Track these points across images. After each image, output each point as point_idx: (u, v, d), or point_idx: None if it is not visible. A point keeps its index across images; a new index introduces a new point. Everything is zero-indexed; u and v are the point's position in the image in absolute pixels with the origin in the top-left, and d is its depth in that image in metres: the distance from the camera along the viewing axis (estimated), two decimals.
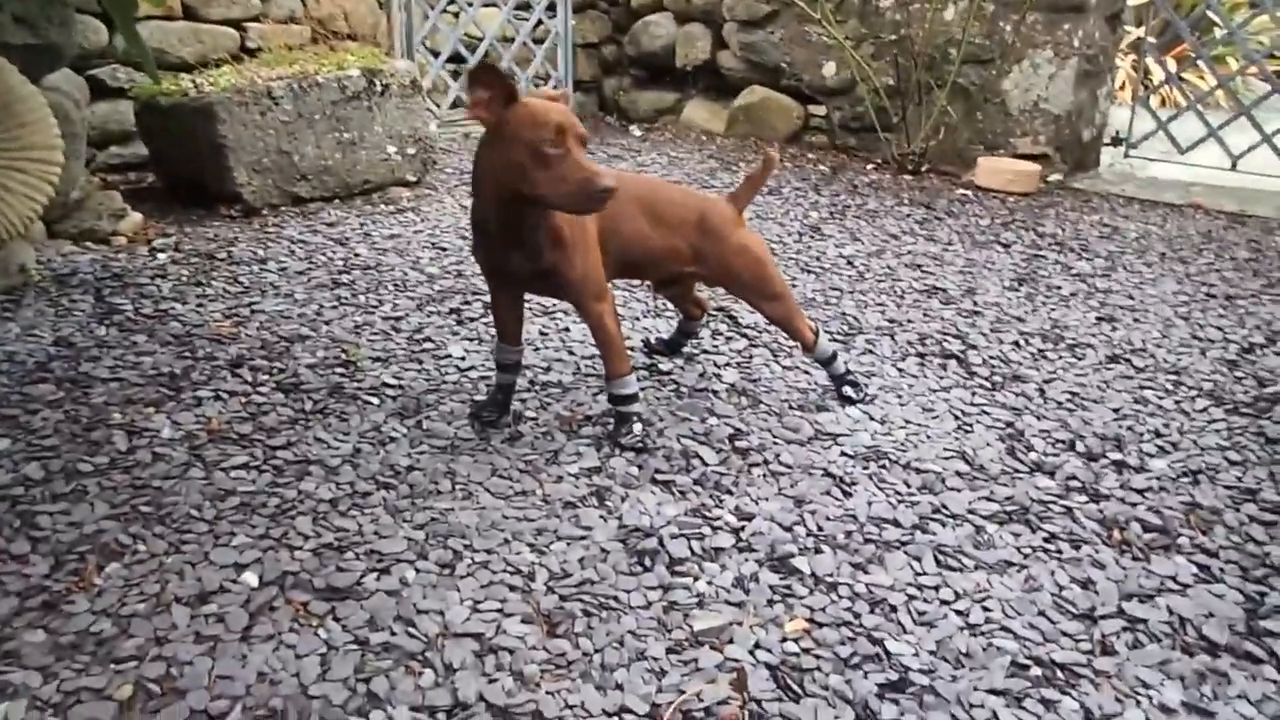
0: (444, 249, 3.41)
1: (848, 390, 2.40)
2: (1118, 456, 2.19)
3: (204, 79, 3.81)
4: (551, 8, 5.81)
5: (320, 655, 1.50)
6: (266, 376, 2.38)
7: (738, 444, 2.17)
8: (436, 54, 5.35)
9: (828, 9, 5.24)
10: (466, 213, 3.89)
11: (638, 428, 2.14)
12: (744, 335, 2.77)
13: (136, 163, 4.26)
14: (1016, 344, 2.81)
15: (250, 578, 1.66)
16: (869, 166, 5.13)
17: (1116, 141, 5.40)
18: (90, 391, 2.26)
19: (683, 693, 1.45)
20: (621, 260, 2.17)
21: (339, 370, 2.44)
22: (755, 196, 2.39)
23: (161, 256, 3.20)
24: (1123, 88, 7.12)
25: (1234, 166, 4.94)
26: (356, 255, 3.31)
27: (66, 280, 2.94)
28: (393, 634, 1.55)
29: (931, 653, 1.56)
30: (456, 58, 5.46)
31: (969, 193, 4.66)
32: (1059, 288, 3.32)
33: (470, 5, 5.43)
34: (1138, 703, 1.47)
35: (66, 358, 2.43)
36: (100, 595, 1.61)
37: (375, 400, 2.30)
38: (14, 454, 1.99)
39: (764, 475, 2.05)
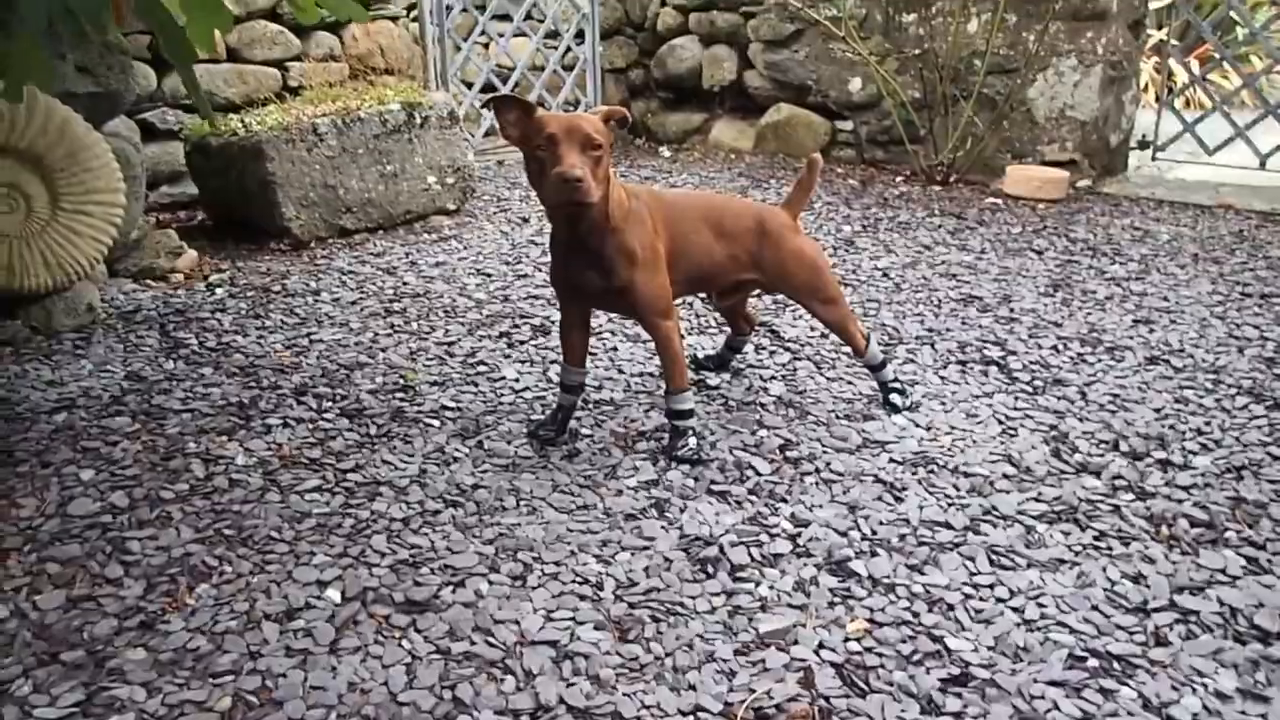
0: (489, 275, 3.51)
1: (894, 398, 2.46)
2: (1162, 455, 2.24)
3: (252, 118, 3.94)
4: (580, 35, 5.93)
5: (405, 665, 1.58)
6: (330, 403, 2.48)
7: (789, 454, 2.24)
8: (470, 85, 5.48)
9: (852, 26, 5.32)
10: (506, 238, 4.00)
11: (693, 441, 2.21)
12: (787, 349, 2.84)
13: (186, 201, 4.40)
14: (1055, 349, 2.86)
15: (333, 594, 1.74)
16: (898, 179, 5.19)
17: (1144, 145, 5.44)
18: (165, 423, 2.37)
19: (753, 691, 1.52)
20: (691, 276, 2.28)
21: (399, 395, 2.53)
22: (807, 202, 2.47)
23: (219, 291, 3.31)
24: (1146, 90, 7.14)
25: (1263, 165, 4.96)
26: (405, 284, 3.41)
27: (131, 317, 3.05)
28: (472, 643, 1.62)
29: (990, 648, 1.62)
30: (489, 88, 5.59)
31: (999, 201, 4.71)
32: (1094, 292, 3.36)
33: (501, 36, 5.56)
34: (1193, 690, 1.52)
35: (139, 391, 2.54)
36: (194, 614, 1.69)
37: (436, 423, 2.39)
38: (99, 484, 2.09)
39: (816, 483, 2.12)
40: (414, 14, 5.26)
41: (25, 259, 2.86)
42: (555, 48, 5.81)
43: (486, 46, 5.90)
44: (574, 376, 2.28)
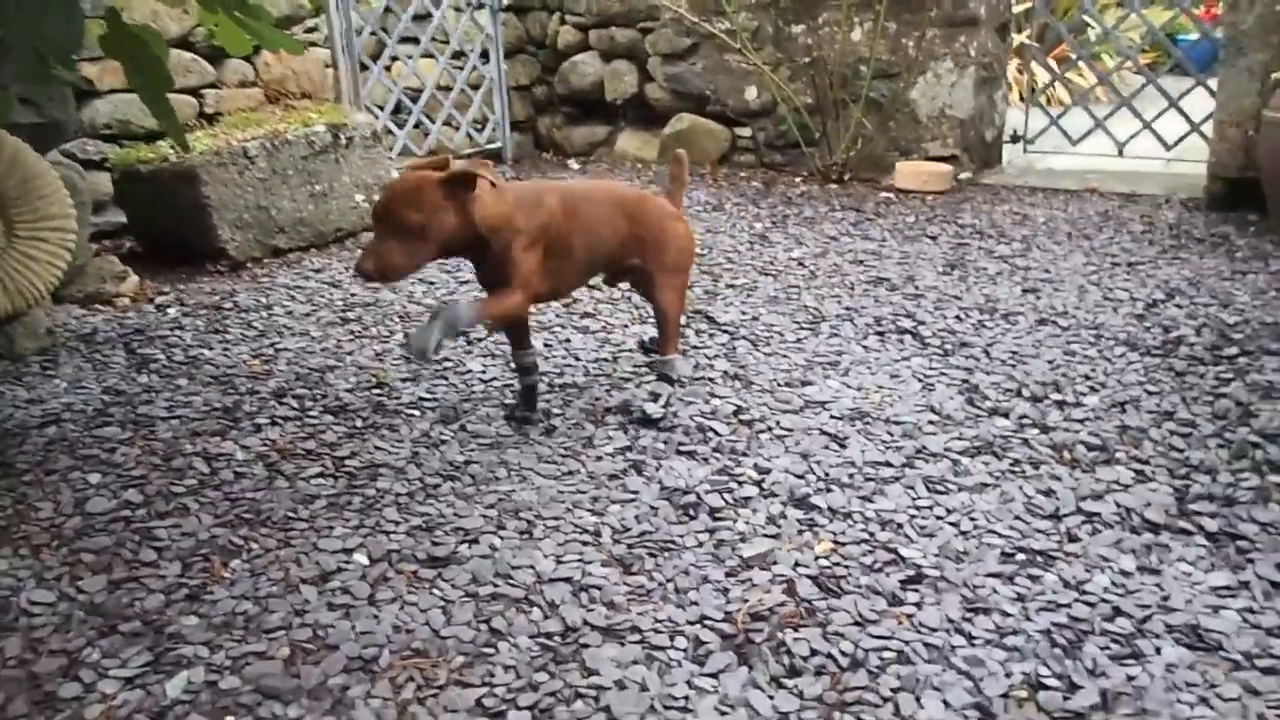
0: (432, 282, 3.70)
1: (649, 406, 2.48)
2: (1058, 397, 2.59)
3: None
4: (484, 55, 6.13)
5: (440, 608, 1.78)
6: (312, 402, 2.64)
7: (742, 417, 2.51)
8: (382, 107, 5.63)
9: (745, 38, 5.67)
10: None
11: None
12: (725, 331, 3.12)
13: (111, 230, 4.44)
14: (958, 317, 3.21)
15: (361, 558, 1.94)
16: (797, 179, 5.55)
17: (1015, 139, 5.93)
18: (155, 429, 2.50)
19: (746, 601, 1.77)
20: (594, 258, 2.44)
21: (375, 391, 2.71)
22: (683, 194, 2.67)
23: (171, 311, 3.42)
24: (1011, 90, 7.71)
25: (1121, 153, 5.48)
26: (353, 294, 3.58)
27: (91, 339, 3.15)
28: (496, 586, 1.84)
29: (936, 554, 1.91)
30: (400, 108, 5.74)
31: (891, 195, 5.10)
32: (985, 269, 3.74)
33: (410, 58, 5.74)
34: (1102, 571, 1.84)
35: (121, 403, 2.66)
36: (234, 584, 1.86)
37: (417, 412, 2.58)
38: (109, 485, 2.23)
39: (770, 439, 2.39)
40: (325, 38, 5.39)
41: None
42: (461, 68, 6.01)
43: (389, 69, 6.05)
44: (525, 358, 2.47)
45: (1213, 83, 4.69)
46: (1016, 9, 6.63)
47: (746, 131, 6.06)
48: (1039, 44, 6.70)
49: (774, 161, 5.96)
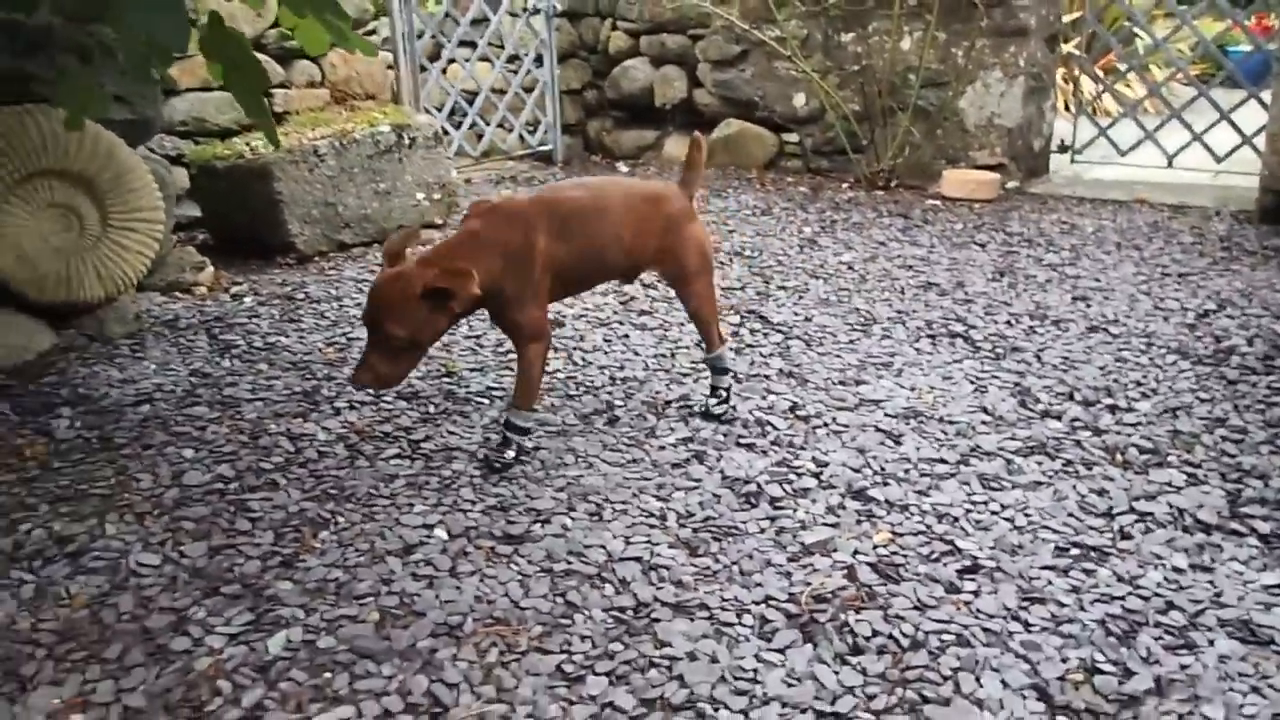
0: None
1: (714, 404, 2.57)
2: (1110, 402, 2.65)
3: (258, 142, 4.19)
4: (538, 59, 6.26)
5: (518, 581, 1.89)
6: (385, 389, 2.76)
7: (798, 413, 2.60)
8: (440, 108, 5.77)
9: (795, 46, 5.75)
10: None
11: (511, 453, 2.33)
12: (778, 331, 3.21)
13: (186, 223, 4.60)
14: (1009, 323, 3.28)
15: (441, 533, 2.05)
16: (844, 185, 5.62)
17: (1063, 149, 5.96)
18: (241, 410, 2.63)
19: (809, 584, 1.86)
20: (593, 268, 2.45)
21: (446, 380, 2.83)
22: (700, 180, 2.62)
23: (247, 300, 3.57)
24: (1060, 99, 7.73)
25: (1170, 164, 5.50)
26: None
27: (174, 324, 3.29)
28: (569, 563, 1.94)
29: (991, 547, 1.99)
30: (457, 110, 5.88)
31: (938, 203, 5.16)
32: (1034, 276, 3.80)
33: (468, 61, 5.88)
34: (1155, 568, 1.91)
35: (207, 385, 2.79)
36: (324, 554, 1.98)
37: (485, 401, 2.69)
38: (203, 460, 2.36)
39: (827, 434, 2.48)
40: (385, 40, 5.54)
41: (80, 273, 3.09)
42: (516, 71, 6.14)
43: (445, 71, 6.18)
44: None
45: (1265, 95, 4.71)
46: (1065, 19, 6.66)
47: (794, 137, 6.14)
48: (1087, 54, 6.73)
49: (821, 167, 6.03)
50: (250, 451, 2.40)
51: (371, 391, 2.25)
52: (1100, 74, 6.74)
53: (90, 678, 1.65)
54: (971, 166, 5.52)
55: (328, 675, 1.65)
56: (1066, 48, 7.00)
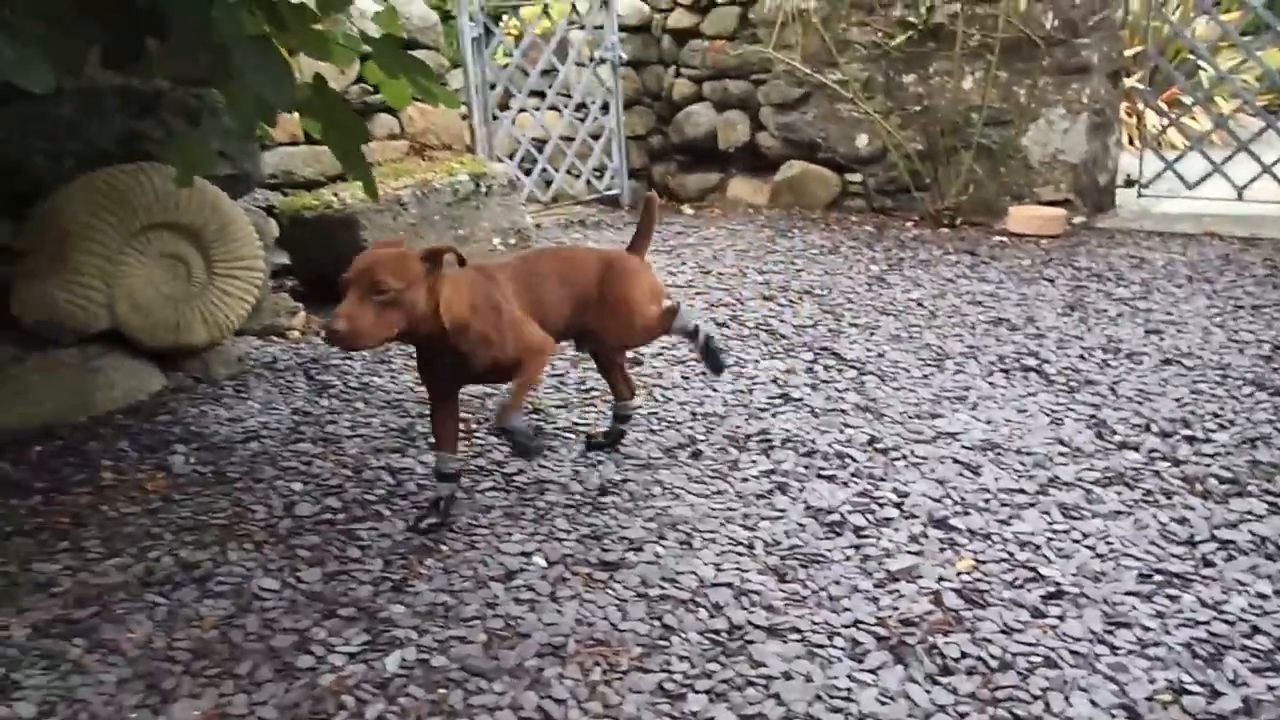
0: None
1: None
2: (1187, 433, 2.68)
3: (347, 193, 4.40)
4: (605, 107, 6.45)
5: (616, 605, 1.98)
6: (477, 425, 2.89)
7: (877, 446, 2.67)
8: (512, 155, 5.97)
9: (857, 88, 5.86)
10: None
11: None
12: (852, 367, 3.28)
13: (277, 270, 4.81)
14: (1082, 356, 3.31)
15: (539, 560, 2.15)
16: (908, 224, 5.69)
17: (1129, 183, 5.97)
18: (342, 445, 2.78)
19: (896, 609, 1.93)
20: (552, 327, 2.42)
21: (534, 416, 2.95)
22: (648, 244, 2.66)
23: None
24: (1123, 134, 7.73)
25: (1240, 197, 5.48)
26: None
27: (274, 366, 3.47)
28: (664, 589, 2.03)
29: (1074, 573, 2.04)
30: (528, 157, 6.07)
31: (1004, 239, 5.20)
32: (1105, 310, 3.83)
33: (538, 110, 6.08)
34: (1239, 594, 1.95)
35: (309, 423, 2.95)
36: (431, 579, 2.10)
37: (572, 435, 2.81)
38: (311, 492, 2.50)
39: (905, 466, 2.55)
40: (459, 91, 5.77)
41: (188, 318, 3.28)
42: (583, 119, 6.33)
43: (515, 120, 6.39)
44: (452, 464, 2.35)
45: None
46: (1127, 53, 6.69)
47: (857, 177, 6.23)
48: (1151, 88, 6.73)
49: (884, 206, 6.10)
50: (354, 485, 2.53)
51: (340, 348, 2.16)
52: (1165, 107, 6.75)
53: (225, 692, 1.77)
54: (1036, 202, 5.55)
55: (443, 691, 1.75)
56: (1130, 82, 7.02)
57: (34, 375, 3.07)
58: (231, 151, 3.54)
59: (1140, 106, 6.77)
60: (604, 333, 2.50)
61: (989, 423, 2.80)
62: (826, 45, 5.94)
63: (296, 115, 4.17)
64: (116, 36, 2.71)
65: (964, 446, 2.65)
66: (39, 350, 3.09)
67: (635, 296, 2.50)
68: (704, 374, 3.26)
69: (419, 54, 4.28)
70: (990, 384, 3.11)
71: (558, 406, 3.04)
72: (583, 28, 6.32)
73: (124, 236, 3.18)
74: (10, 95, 2.93)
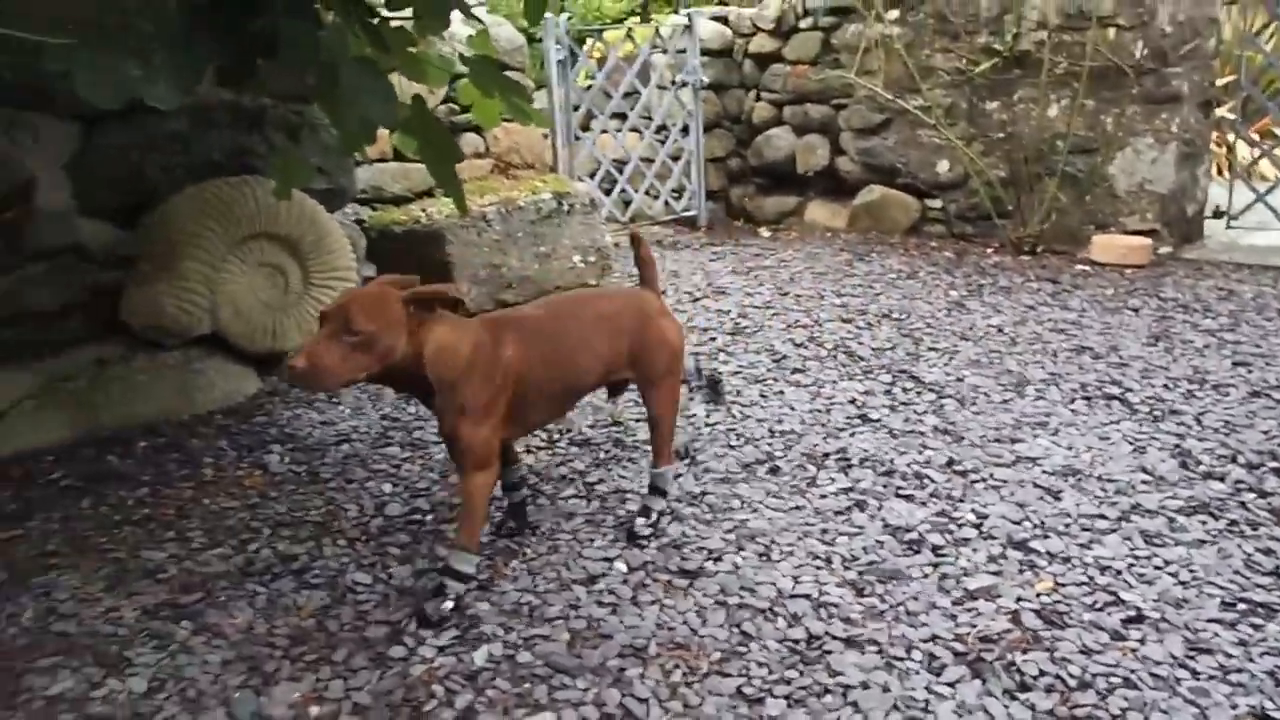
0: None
1: (640, 524, 2.36)
2: (1275, 465, 2.64)
3: (434, 208, 4.54)
4: (685, 129, 6.54)
5: (696, 611, 2.03)
6: (559, 435, 2.97)
7: (955, 468, 2.68)
8: (593, 175, 6.09)
9: (939, 114, 5.86)
10: None
11: (448, 605, 2.04)
12: (931, 390, 3.29)
13: (364, 282, 4.98)
14: (1166, 386, 3.28)
15: (620, 566, 2.21)
16: (989, 250, 5.65)
17: (1218, 215, 5.86)
18: (429, 451, 2.87)
19: (974, 626, 1.95)
20: (572, 384, 2.28)
21: (613, 428, 3.02)
22: (657, 276, 2.51)
23: None
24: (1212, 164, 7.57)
25: None
26: None
27: None
28: (742, 598, 2.07)
29: (1155, 600, 2.03)
30: (608, 178, 6.18)
31: (1087, 268, 5.14)
32: (1191, 341, 3.78)
33: (619, 131, 6.19)
34: None
35: (397, 428, 3.05)
36: (516, 580, 2.17)
37: (650, 449, 2.86)
38: (400, 494, 2.59)
39: (985, 488, 2.55)
40: (543, 113, 5.90)
41: (284, 325, 3.43)
42: (663, 141, 6.43)
43: (595, 141, 6.51)
44: (513, 474, 2.35)
45: None
46: (1219, 83, 6.57)
47: (937, 203, 6.21)
48: (1242, 118, 6.60)
49: (964, 233, 6.07)
50: (441, 488, 2.62)
51: (302, 389, 2.05)
52: (1257, 138, 6.61)
53: (322, 677, 1.86)
54: (1122, 232, 5.48)
55: (528, 685, 1.82)
56: (1220, 112, 6.89)
57: (141, 375, 3.23)
58: (329, 167, 3.69)
59: (1231, 137, 6.64)
60: (645, 372, 2.34)
61: (1070, 449, 2.79)
62: (909, 71, 5.95)
63: (385, 133, 4.35)
64: (232, 56, 2.87)
65: (1044, 471, 2.64)
66: (146, 352, 3.26)
67: (670, 336, 2.39)
68: (782, 393, 3.30)
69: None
70: (1072, 411, 3.09)
71: (638, 420, 3.10)
72: (665, 51, 6.43)
73: (228, 245, 3.34)
74: (129, 110, 3.12)
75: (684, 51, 6.42)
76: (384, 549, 2.32)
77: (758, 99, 6.91)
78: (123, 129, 3.28)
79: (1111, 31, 5.36)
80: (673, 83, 6.42)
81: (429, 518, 2.46)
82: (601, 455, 2.83)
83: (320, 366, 1.85)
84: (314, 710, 1.77)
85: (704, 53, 6.59)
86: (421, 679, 1.84)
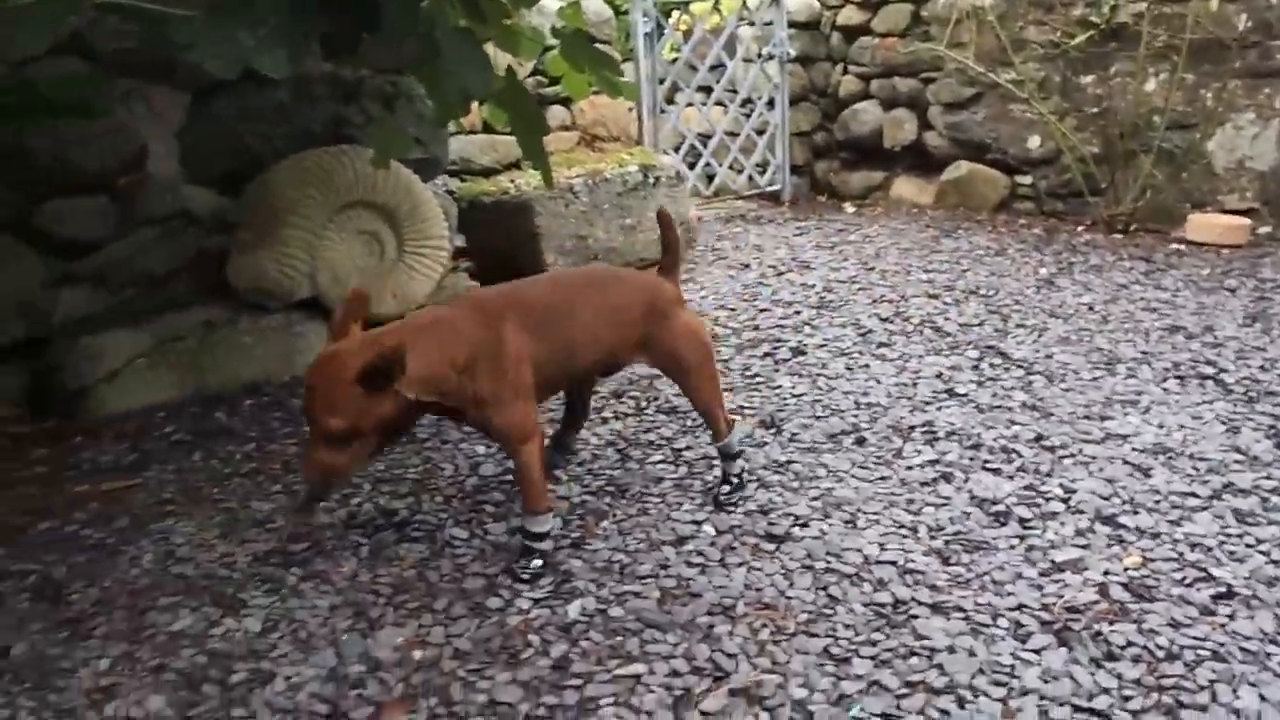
0: (733, 309, 4.05)
1: (725, 490, 2.40)
2: None
3: (521, 180, 4.62)
4: (770, 103, 6.52)
5: (783, 574, 2.08)
6: (646, 403, 3.03)
7: (1044, 443, 2.67)
8: (678, 148, 6.11)
9: (1032, 88, 5.75)
10: (734, 280, 4.54)
11: (538, 562, 2.09)
12: (1019, 366, 3.27)
13: (453, 251, 5.09)
14: (1263, 367, 3.21)
15: (709, 529, 2.27)
16: (1080, 228, 5.54)
17: None
18: None
19: (1061, 597, 1.96)
20: (577, 364, 2.26)
21: None
22: (681, 263, 2.46)
23: None
24: None
25: None
26: None
27: None
28: (829, 563, 2.11)
29: (1247, 577, 2.02)
30: (692, 150, 6.19)
31: (1182, 247, 5.02)
32: None
33: (704, 105, 6.20)
34: None
35: None
36: (607, 539, 2.24)
37: (738, 417, 2.90)
38: (493, 455, 2.68)
39: (1073, 464, 2.55)
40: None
41: (380, 292, 3.54)
42: (748, 115, 6.41)
43: (680, 115, 6.52)
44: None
45: None
46: None
47: (1027, 179, 6.10)
48: None
49: (1055, 210, 5.96)
50: None
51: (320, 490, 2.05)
52: None
53: (424, 624, 1.95)
54: (1219, 211, 5.33)
55: (620, 638, 1.89)
56: None
57: (245, 337, 3.38)
58: (423, 137, 3.79)
59: None
60: (678, 363, 2.31)
61: (1161, 427, 2.76)
62: (1001, 44, 5.84)
63: (474, 105, 4.43)
64: (337, 27, 2.96)
65: (1134, 449, 2.62)
66: (250, 315, 3.40)
67: (695, 327, 2.35)
68: (867, 366, 3.31)
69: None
70: (1164, 390, 3.05)
71: (723, 390, 3.13)
72: (752, 24, 6.40)
73: (327, 213, 3.46)
74: (236, 82, 3.24)
75: (771, 24, 6.39)
76: (479, 506, 2.40)
77: (844, 72, 6.85)
78: (229, 100, 3.41)
79: (1214, 3, 5.20)
80: (759, 55, 6.40)
81: None
82: (689, 423, 2.87)
83: (326, 468, 1.90)
84: (417, 654, 1.86)
85: (791, 25, 6.55)
86: (518, 629, 1.92)
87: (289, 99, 3.53)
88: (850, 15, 6.67)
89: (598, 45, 5.43)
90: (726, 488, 2.41)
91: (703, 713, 1.68)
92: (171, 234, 3.37)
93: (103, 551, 2.27)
